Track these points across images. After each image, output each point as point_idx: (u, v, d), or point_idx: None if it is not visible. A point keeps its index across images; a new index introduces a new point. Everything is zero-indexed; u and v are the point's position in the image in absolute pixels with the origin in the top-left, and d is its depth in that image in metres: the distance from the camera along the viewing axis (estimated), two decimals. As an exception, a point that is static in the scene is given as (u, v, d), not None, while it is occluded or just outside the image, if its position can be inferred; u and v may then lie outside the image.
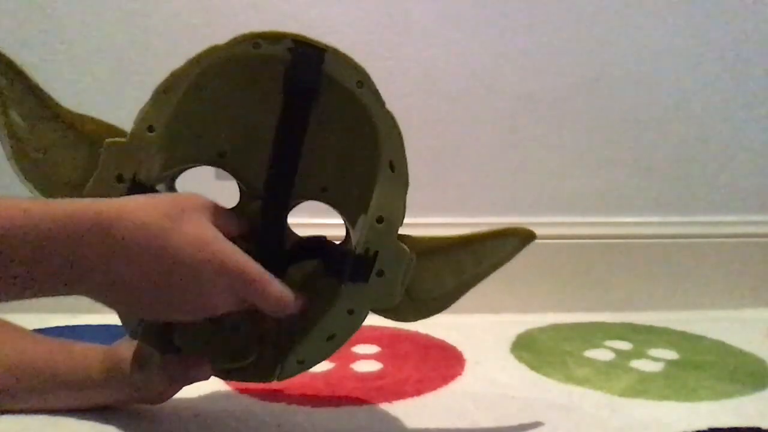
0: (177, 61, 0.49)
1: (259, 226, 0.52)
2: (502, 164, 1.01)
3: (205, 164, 0.53)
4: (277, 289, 0.47)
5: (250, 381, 0.55)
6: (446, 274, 0.54)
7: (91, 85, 0.93)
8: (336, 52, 0.48)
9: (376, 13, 0.97)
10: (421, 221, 0.66)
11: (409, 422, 0.59)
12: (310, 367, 0.53)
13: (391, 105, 0.51)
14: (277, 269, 0.48)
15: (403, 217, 0.51)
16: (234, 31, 0.49)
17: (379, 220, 0.50)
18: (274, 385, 0.55)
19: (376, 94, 0.49)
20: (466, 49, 0.99)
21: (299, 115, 0.50)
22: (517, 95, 1.00)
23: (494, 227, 0.56)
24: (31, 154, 0.50)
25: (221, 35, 0.47)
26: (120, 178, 0.49)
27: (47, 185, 0.50)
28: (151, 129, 0.48)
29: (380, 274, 0.50)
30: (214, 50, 0.48)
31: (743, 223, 1.05)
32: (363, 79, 0.49)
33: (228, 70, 0.49)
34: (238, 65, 0.49)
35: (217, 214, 0.47)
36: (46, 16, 0.92)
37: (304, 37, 0.48)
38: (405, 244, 0.51)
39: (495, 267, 0.55)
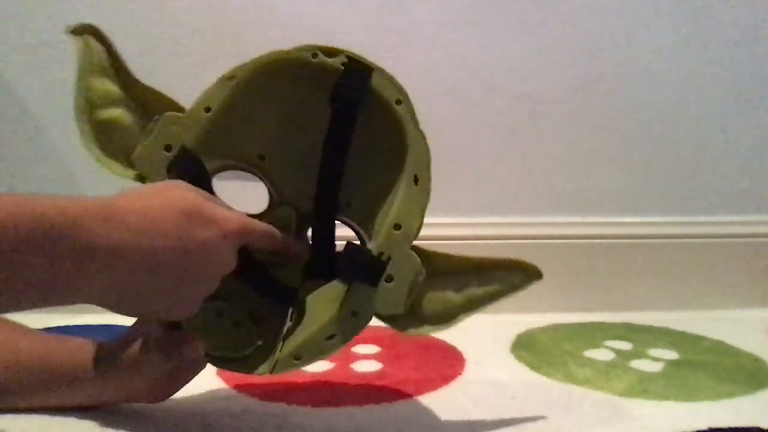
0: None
1: (313, 234, 0.55)
2: (502, 164, 1.01)
3: (243, 164, 0.56)
4: (264, 226, 0.51)
5: (244, 372, 0.54)
6: (451, 294, 0.55)
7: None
8: (382, 71, 0.52)
9: (376, 13, 0.97)
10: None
11: (409, 422, 0.59)
12: (306, 365, 0.53)
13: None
14: (330, 275, 0.52)
15: (419, 230, 0.53)
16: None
17: (397, 227, 0.52)
18: (274, 379, 0.55)
19: (412, 113, 0.53)
20: (466, 49, 0.99)
21: (346, 125, 0.53)
22: (517, 95, 1.00)
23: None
24: (98, 117, 0.53)
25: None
26: (168, 148, 0.53)
27: (106, 149, 0.54)
28: (207, 110, 0.53)
29: (389, 279, 0.51)
30: (277, 53, 0.52)
31: (743, 223, 1.05)
32: (402, 98, 0.52)
33: (284, 72, 0.53)
34: (293, 69, 0.52)
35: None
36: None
37: (356, 55, 0.52)
38: (419, 257, 0.52)
39: (498, 296, 0.56)
